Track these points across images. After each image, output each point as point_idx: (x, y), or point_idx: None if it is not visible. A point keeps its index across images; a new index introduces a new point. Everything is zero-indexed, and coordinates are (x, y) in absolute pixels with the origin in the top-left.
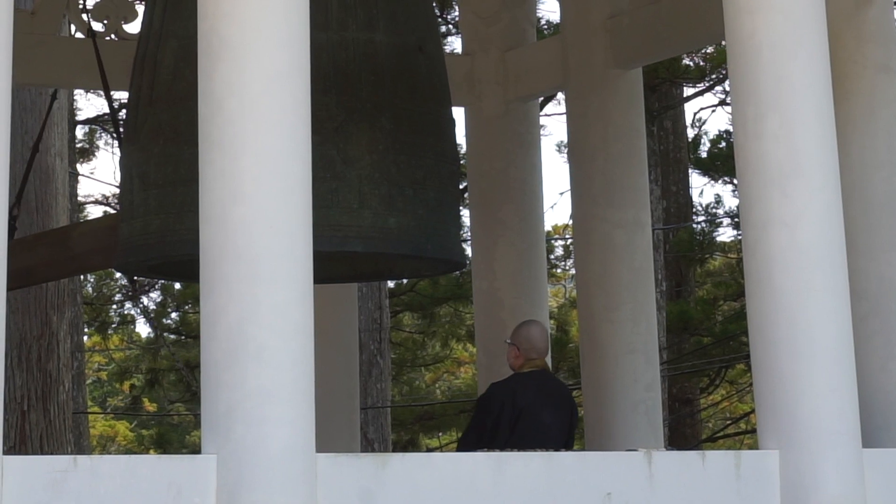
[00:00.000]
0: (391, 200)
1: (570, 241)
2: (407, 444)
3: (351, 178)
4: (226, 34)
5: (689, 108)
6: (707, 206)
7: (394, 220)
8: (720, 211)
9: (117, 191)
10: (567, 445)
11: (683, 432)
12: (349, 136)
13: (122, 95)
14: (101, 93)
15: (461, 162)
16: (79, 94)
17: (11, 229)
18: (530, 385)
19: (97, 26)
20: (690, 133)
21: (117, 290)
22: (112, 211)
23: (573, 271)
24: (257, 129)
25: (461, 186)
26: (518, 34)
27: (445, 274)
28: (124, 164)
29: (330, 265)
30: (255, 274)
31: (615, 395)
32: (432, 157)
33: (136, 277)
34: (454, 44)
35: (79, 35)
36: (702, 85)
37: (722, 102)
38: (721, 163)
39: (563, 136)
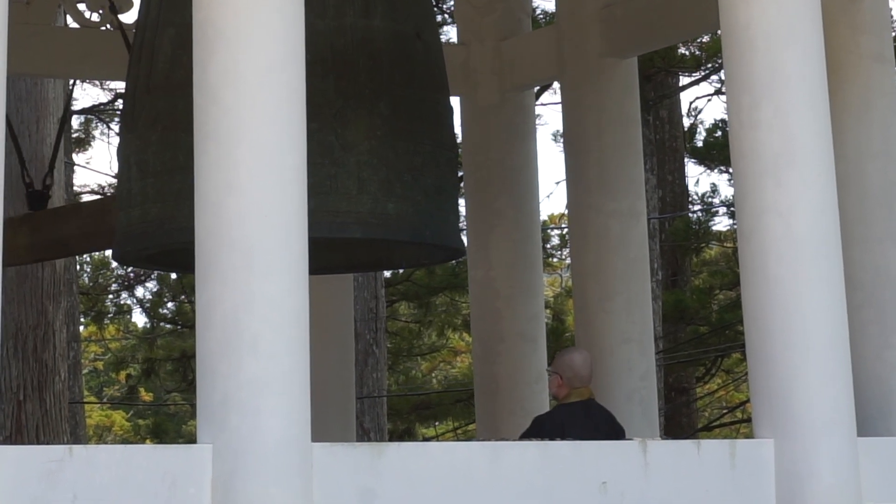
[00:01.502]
0: (390, 186)
1: (565, 230)
2: (403, 434)
3: (349, 163)
4: (221, 24)
5: (685, 98)
6: (703, 195)
7: (392, 206)
8: (716, 200)
9: (114, 180)
10: None
11: (679, 421)
12: (347, 122)
13: (119, 85)
14: (97, 83)
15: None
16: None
17: (44, 199)
18: (577, 422)
19: (94, 17)
20: (686, 122)
21: (113, 279)
22: None
23: (569, 261)
24: (253, 119)
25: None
26: (513, 24)
27: (444, 262)
28: (122, 153)
29: (327, 254)
30: (251, 264)
31: (611, 385)
32: (430, 144)
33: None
34: (449, 33)
35: (73, 25)
36: (697, 74)
37: (718, 91)
38: (717, 152)
39: (559, 126)
